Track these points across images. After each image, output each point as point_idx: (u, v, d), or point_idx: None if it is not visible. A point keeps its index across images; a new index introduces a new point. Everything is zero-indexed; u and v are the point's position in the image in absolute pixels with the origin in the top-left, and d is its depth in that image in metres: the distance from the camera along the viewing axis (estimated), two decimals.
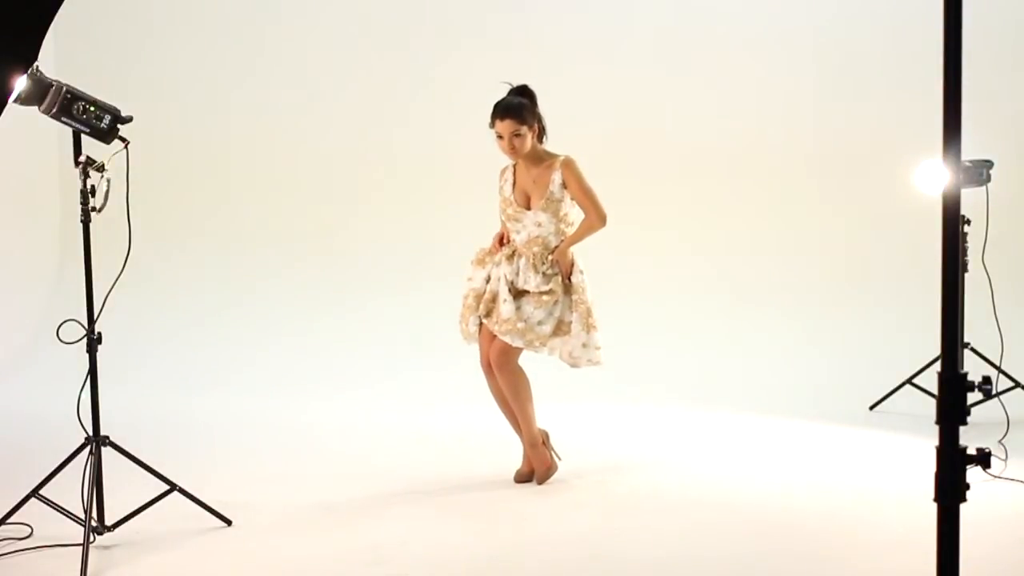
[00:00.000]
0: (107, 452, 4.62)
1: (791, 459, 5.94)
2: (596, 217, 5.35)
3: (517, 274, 5.37)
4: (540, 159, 5.41)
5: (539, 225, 5.38)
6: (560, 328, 5.36)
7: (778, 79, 8.20)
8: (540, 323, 5.32)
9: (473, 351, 5.53)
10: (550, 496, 5.30)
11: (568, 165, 5.36)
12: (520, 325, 5.29)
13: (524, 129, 5.31)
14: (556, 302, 5.34)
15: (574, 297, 5.37)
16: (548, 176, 5.36)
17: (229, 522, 4.84)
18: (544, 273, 5.34)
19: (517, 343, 5.31)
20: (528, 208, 5.41)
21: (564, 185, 5.34)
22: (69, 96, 4.39)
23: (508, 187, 5.50)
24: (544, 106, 5.41)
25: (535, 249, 5.37)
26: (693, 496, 5.30)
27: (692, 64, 8.29)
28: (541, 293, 5.32)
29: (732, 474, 5.70)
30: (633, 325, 7.80)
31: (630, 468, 5.78)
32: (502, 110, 5.32)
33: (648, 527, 4.88)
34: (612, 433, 6.52)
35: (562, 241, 5.38)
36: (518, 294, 5.35)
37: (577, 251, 5.43)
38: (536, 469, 5.47)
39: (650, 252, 8.23)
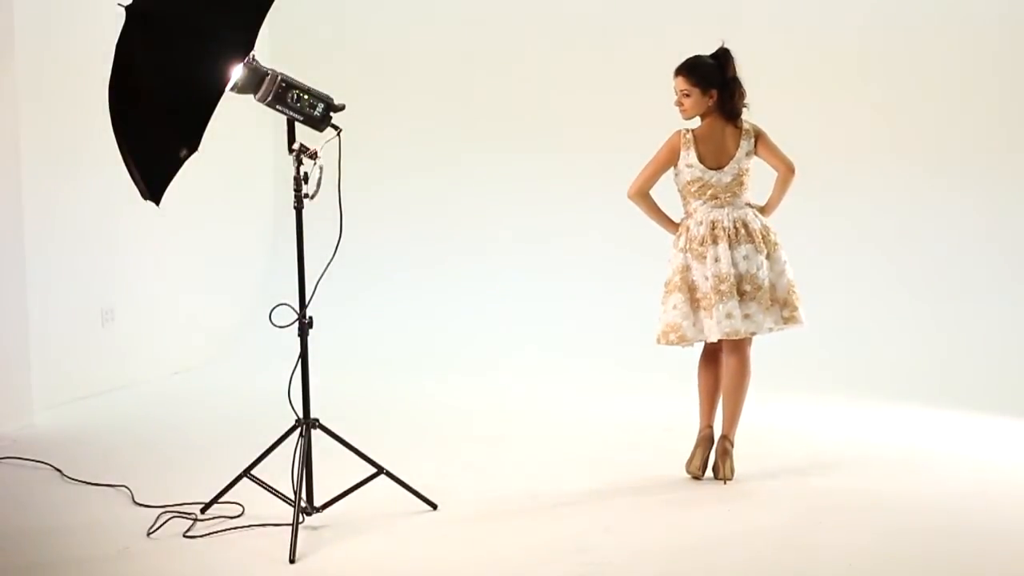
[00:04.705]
0: (316, 434, 4.70)
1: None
2: None
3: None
4: None
5: None
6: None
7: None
8: None
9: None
10: (750, 490, 5.18)
11: None
12: None
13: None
14: None
15: None
16: None
17: (435, 506, 4.87)
18: None
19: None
20: None
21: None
22: (284, 85, 4.47)
23: None
24: None
25: None
26: (896, 494, 5.11)
27: None
28: None
29: (938, 473, 5.51)
30: (855, 316, 7.67)
31: (832, 465, 5.61)
32: None
33: (848, 523, 4.72)
34: (815, 428, 6.39)
35: None
36: None
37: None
38: (726, 464, 5.32)
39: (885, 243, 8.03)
